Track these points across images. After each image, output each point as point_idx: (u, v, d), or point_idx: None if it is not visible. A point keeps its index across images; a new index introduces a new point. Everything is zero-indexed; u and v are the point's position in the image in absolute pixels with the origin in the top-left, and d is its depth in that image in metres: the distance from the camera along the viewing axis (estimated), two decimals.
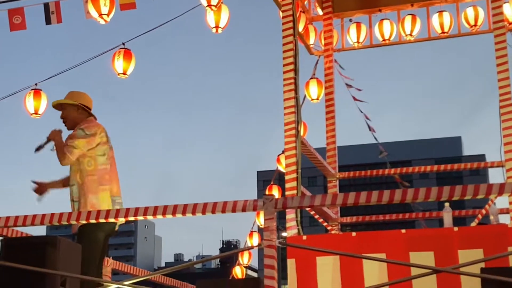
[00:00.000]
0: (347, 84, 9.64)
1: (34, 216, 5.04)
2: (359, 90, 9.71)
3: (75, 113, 6.29)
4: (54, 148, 6.14)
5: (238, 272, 13.09)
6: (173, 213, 4.80)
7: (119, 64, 8.47)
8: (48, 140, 6.23)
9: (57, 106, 6.40)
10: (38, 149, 6.22)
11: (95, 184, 6.03)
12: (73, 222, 5.05)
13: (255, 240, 12.57)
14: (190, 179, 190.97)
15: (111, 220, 5.19)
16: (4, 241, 5.20)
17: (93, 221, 5.14)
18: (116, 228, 6.18)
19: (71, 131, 6.24)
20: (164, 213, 4.80)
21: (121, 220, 5.24)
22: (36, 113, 8.85)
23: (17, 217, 5.07)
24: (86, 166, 6.09)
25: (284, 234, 7.72)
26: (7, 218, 5.06)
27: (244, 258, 13.16)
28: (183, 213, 4.77)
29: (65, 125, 6.34)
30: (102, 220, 5.09)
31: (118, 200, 6.14)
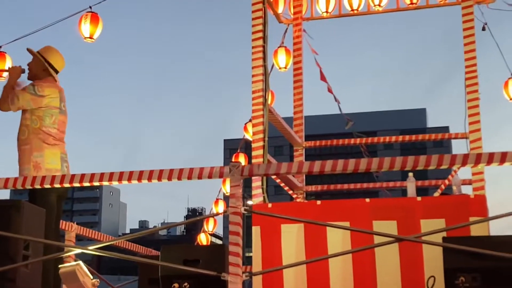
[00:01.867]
0: (314, 53, 9.63)
1: None
2: (320, 67, 9.72)
3: (39, 68, 6.32)
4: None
5: (203, 239, 13.14)
6: (139, 179, 4.77)
7: (85, 28, 8.33)
8: (7, 71, 6.27)
9: (29, 52, 6.40)
10: None
11: (39, 142, 6.05)
12: (37, 186, 4.99)
13: (221, 207, 12.61)
14: (158, 145, 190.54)
15: (76, 185, 5.14)
16: None
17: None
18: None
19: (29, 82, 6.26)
20: (129, 179, 4.77)
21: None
22: (0, 75, 8.70)
23: None
24: (32, 123, 6.11)
25: (249, 202, 7.75)
26: None
27: (210, 226, 13.21)
28: (149, 179, 4.76)
29: (28, 74, 6.36)
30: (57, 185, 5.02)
31: (66, 158, 6.18)
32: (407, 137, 9.68)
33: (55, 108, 6.17)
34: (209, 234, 13.32)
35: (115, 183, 4.91)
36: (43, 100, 6.11)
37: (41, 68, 6.32)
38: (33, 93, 6.11)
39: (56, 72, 6.37)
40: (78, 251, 4.93)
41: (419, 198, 6.05)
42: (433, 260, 5.36)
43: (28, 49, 6.41)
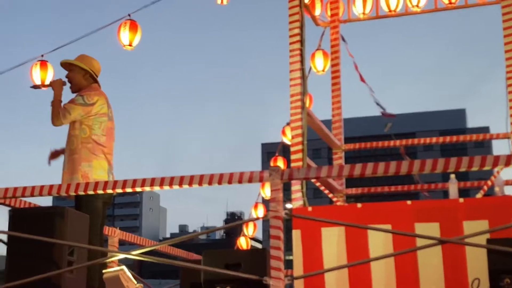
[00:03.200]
0: (354, 63, 9.60)
1: (42, 186, 5.06)
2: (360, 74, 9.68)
3: (81, 77, 6.30)
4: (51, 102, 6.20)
5: (243, 243, 13.15)
6: (180, 184, 4.81)
7: (125, 35, 8.42)
8: (49, 85, 6.28)
9: (65, 65, 6.40)
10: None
11: (88, 152, 6.04)
12: (81, 192, 5.06)
13: (260, 211, 12.61)
14: (195, 149, 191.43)
15: (118, 190, 5.20)
16: (12, 211, 5.24)
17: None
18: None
19: (74, 94, 6.28)
20: (171, 184, 4.82)
21: None
22: (42, 84, 8.83)
23: (25, 188, 5.09)
24: (81, 133, 6.09)
25: (288, 205, 7.75)
26: (15, 188, 5.08)
27: (249, 229, 13.22)
28: (190, 184, 4.79)
29: (70, 86, 6.34)
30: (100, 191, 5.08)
31: (112, 171, 6.21)
32: (447, 139, 9.58)
33: (104, 116, 6.15)
34: (250, 238, 13.33)
35: (156, 189, 4.96)
36: (93, 108, 6.08)
37: (82, 77, 6.30)
38: (83, 103, 6.08)
39: (97, 77, 6.38)
40: (122, 256, 4.99)
41: (461, 200, 5.98)
42: (476, 262, 5.30)
43: (62, 62, 6.41)
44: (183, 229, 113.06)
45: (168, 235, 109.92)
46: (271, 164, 11.37)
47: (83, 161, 6.03)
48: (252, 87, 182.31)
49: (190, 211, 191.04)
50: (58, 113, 6.06)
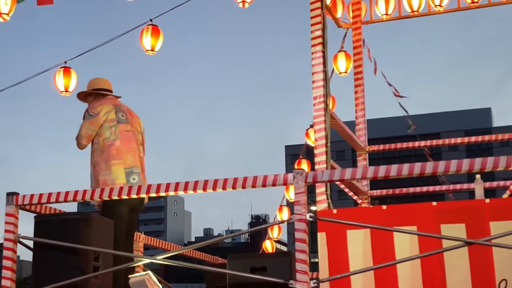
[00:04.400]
0: (373, 62, 9.56)
1: (67, 192, 5.08)
2: (384, 76, 9.65)
3: (92, 99, 6.61)
4: None
5: (268, 246, 13.15)
6: (204, 188, 4.81)
7: (147, 40, 8.46)
8: None
9: (81, 98, 6.74)
10: None
11: (104, 161, 6.25)
12: (105, 198, 5.08)
13: (285, 214, 12.61)
14: (219, 153, 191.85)
15: (142, 195, 5.21)
16: (38, 217, 5.28)
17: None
18: (146, 201, 6.29)
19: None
20: (195, 189, 4.81)
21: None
22: (66, 90, 8.91)
23: (50, 194, 5.12)
24: (95, 145, 6.36)
25: (313, 208, 7.72)
26: (40, 195, 5.11)
27: (274, 232, 13.22)
28: (214, 188, 4.79)
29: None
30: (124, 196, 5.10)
31: (136, 170, 6.30)
32: (472, 139, 9.49)
33: (112, 121, 6.36)
34: (274, 240, 13.32)
35: (181, 193, 4.96)
36: (99, 118, 6.34)
37: (93, 99, 6.61)
38: (88, 117, 6.38)
39: (106, 91, 6.61)
40: (147, 261, 5.00)
41: (487, 200, 5.91)
42: (504, 263, 5.24)
43: (78, 98, 6.74)
44: (208, 232, 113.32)
45: (193, 239, 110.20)
46: (295, 166, 11.36)
47: (102, 171, 6.24)
48: (276, 89, 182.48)
49: (214, 214, 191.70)
50: (76, 139, 6.43)
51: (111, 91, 6.64)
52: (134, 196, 5.07)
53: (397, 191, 9.65)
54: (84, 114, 6.44)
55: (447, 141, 9.68)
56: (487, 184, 7.84)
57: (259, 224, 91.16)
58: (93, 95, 6.61)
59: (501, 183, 9.27)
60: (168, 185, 4.92)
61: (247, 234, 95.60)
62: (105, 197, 5.06)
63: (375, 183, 9.12)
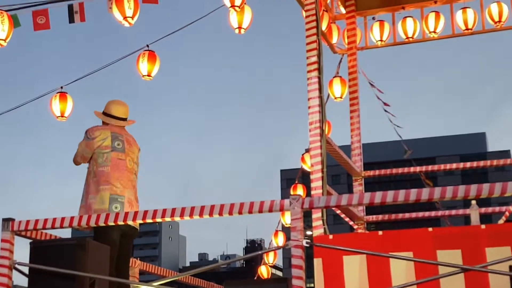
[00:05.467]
0: (370, 84, 9.62)
1: (63, 218, 5.09)
2: (381, 92, 9.69)
3: (103, 121, 6.76)
4: None
5: (263, 271, 13.11)
6: (200, 214, 4.82)
7: (143, 66, 8.49)
8: None
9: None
10: None
11: (94, 185, 6.37)
12: (101, 223, 5.08)
13: (280, 239, 12.58)
14: (215, 177, 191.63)
15: (139, 222, 5.21)
16: (33, 243, 5.26)
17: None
18: (137, 227, 6.34)
19: None
20: (191, 215, 4.82)
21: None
22: (62, 116, 8.92)
23: (46, 220, 5.12)
24: (90, 167, 6.52)
25: (309, 232, 7.72)
26: (36, 221, 5.11)
27: (270, 258, 13.18)
28: (210, 214, 4.79)
29: None
30: (120, 222, 5.12)
31: (120, 200, 6.36)
32: (467, 164, 9.52)
33: (106, 148, 6.48)
34: (270, 266, 13.29)
35: (177, 219, 4.96)
36: (94, 142, 6.47)
37: (102, 123, 6.77)
38: (86, 139, 6.54)
39: (115, 117, 6.71)
40: (143, 287, 4.98)
41: (483, 226, 5.91)
42: None
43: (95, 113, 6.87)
44: (203, 257, 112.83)
45: (187, 264, 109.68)
46: (291, 191, 11.37)
47: (90, 194, 6.38)
48: (272, 114, 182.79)
49: (209, 239, 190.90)
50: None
51: (121, 118, 6.73)
52: (130, 222, 5.08)
53: (393, 216, 9.66)
54: (84, 134, 6.58)
55: (442, 166, 9.71)
56: (483, 210, 7.85)
57: (254, 248, 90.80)
58: (103, 118, 6.76)
59: (497, 208, 9.28)
60: (164, 211, 4.93)
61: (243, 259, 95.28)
62: (101, 223, 5.06)
63: (371, 208, 9.13)
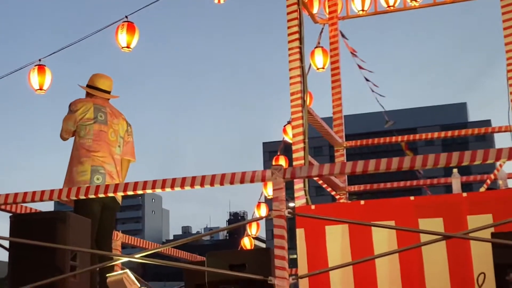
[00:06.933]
0: (352, 53, 9.58)
1: (43, 192, 5.04)
2: (363, 62, 9.66)
3: (87, 94, 6.72)
4: None
5: (246, 243, 13.13)
6: (182, 186, 4.78)
7: (122, 37, 8.41)
8: None
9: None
10: None
11: (76, 157, 6.37)
12: (82, 196, 5.04)
13: (263, 211, 12.59)
14: (196, 150, 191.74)
15: (120, 194, 5.17)
16: (13, 217, 5.21)
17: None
18: (119, 200, 6.31)
19: None
20: (172, 186, 4.79)
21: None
22: (40, 89, 8.82)
23: (25, 193, 5.07)
24: (74, 141, 6.48)
25: (291, 204, 7.72)
26: (16, 194, 5.05)
27: (253, 229, 13.20)
28: (192, 185, 4.76)
29: None
30: (101, 195, 5.08)
31: (101, 171, 6.35)
32: (449, 133, 9.54)
33: (89, 120, 6.45)
34: (253, 237, 13.31)
35: (158, 191, 4.93)
36: (76, 115, 6.44)
37: (87, 95, 6.72)
38: (69, 112, 6.50)
39: (99, 89, 6.66)
40: (125, 259, 4.96)
41: (464, 194, 5.95)
42: (482, 257, 5.27)
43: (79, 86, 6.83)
44: (186, 230, 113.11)
45: (171, 237, 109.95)
46: (273, 163, 11.35)
47: (73, 166, 6.38)
48: (253, 87, 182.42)
49: (192, 212, 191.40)
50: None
51: (104, 91, 6.67)
52: (110, 194, 5.03)
53: (375, 186, 9.69)
54: (68, 108, 6.55)
55: (424, 135, 9.74)
56: (464, 178, 7.89)
57: (237, 221, 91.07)
58: (87, 91, 6.70)
59: (478, 177, 9.32)
60: (145, 183, 4.89)
61: (226, 232, 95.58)
62: (81, 196, 5.02)
63: (352, 179, 9.15)
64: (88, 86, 6.69)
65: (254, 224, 13.21)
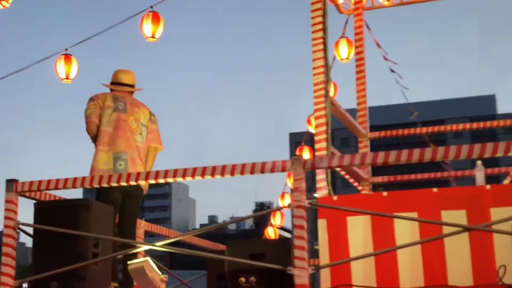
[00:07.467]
0: (377, 44, 9.52)
1: (66, 179, 5.09)
2: (387, 53, 9.59)
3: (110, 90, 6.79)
4: None
5: (270, 232, 13.15)
6: (202, 175, 4.80)
7: (147, 27, 8.45)
8: None
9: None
10: None
11: (100, 145, 6.42)
12: (104, 184, 5.08)
13: (287, 201, 12.59)
14: (224, 139, 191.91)
15: (151, 181, 5.18)
16: (37, 204, 5.28)
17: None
18: (145, 188, 6.35)
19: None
20: (193, 175, 4.81)
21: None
22: (67, 78, 8.91)
23: (49, 181, 5.12)
24: (99, 131, 6.50)
25: (316, 194, 7.72)
26: (40, 181, 5.11)
27: (277, 219, 13.21)
28: (212, 174, 4.78)
29: None
30: (123, 183, 5.12)
31: (124, 157, 6.40)
32: (474, 125, 9.47)
33: (108, 108, 6.51)
34: (277, 227, 13.32)
35: (179, 179, 4.94)
36: (96, 102, 6.51)
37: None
38: (89, 101, 6.55)
39: (121, 84, 6.72)
40: (146, 247, 5.01)
41: (488, 186, 5.89)
42: (504, 249, 5.23)
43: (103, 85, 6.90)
44: (212, 220, 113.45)
45: (197, 226, 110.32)
46: (297, 153, 11.35)
47: (96, 154, 6.44)
48: (282, 76, 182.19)
49: (219, 202, 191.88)
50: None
51: (126, 84, 6.73)
52: (138, 182, 5.07)
53: (399, 177, 9.64)
54: (87, 102, 6.61)
55: (448, 127, 9.67)
56: (489, 170, 7.82)
57: (263, 211, 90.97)
58: (111, 87, 6.78)
59: (503, 169, 9.23)
60: (175, 171, 4.91)
61: (252, 221, 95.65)
62: (104, 184, 5.06)
63: (379, 170, 9.09)
64: (111, 83, 6.77)
65: (278, 214, 13.23)
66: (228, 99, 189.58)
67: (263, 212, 5.89)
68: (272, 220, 13.12)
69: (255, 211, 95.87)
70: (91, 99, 6.57)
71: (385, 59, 9.71)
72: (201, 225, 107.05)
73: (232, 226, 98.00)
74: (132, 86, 6.76)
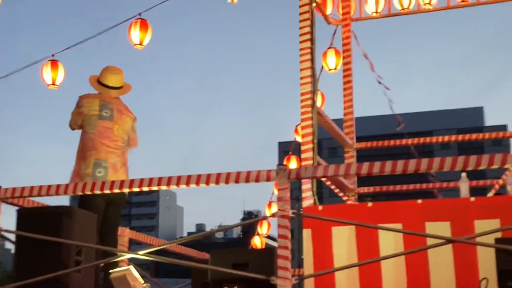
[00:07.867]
0: (365, 55, 9.54)
1: (49, 186, 5.07)
2: (373, 65, 9.61)
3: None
4: None
5: (257, 241, 13.11)
6: (187, 183, 4.81)
7: (135, 34, 8.43)
8: None
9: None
10: None
11: (81, 151, 6.45)
12: (88, 192, 5.06)
13: (274, 210, 12.54)
14: (217, 147, 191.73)
15: (135, 189, 5.16)
16: (20, 211, 5.25)
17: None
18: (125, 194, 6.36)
19: None
20: (178, 183, 4.82)
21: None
22: (53, 84, 8.87)
23: (32, 187, 5.10)
24: (81, 136, 6.55)
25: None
26: (23, 188, 5.09)
27: (263, 228, 13.16)
28: (197, 183, 4.78)
29: None
30: (106, 191, 5.10)
31: (104, 164, 6.39)
32: (460, 137, 9.49)
33: (93, 116, 6.51)
34: (264, 236, 13.27)
35: (163, 187, 4.93)
36: (80, 111, 6.53)
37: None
38: (75, 107, 6.60)
39: (108, 87, 6.69)
40: (129, 255, 4.98)
41: (472, 199, 5.92)
42: (488, 262, 5.23)
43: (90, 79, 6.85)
44: (200, 228, 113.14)
45: (185, 234, 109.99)
46: (284, 162, 11.36)
47: (78, 159, 6.46)
48: (271, 86, 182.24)
49: (207, 210, 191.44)
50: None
51: (113, 87, 6.70)
52: (116, 190, 5.05)
53: (384, 188, 9.65)
54: (76, 102, 6.65)
55: (435, 138, 9.69)
56: (474, 183, 7.84)
57: (251, 220, 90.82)
58: (95, 87, 6.76)
59: (488, 181, 9.26)
60: (160, 179, 4.91)
61: (240, 230, 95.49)
62: (87, 192, 5.04)
63: (365, 181, 9.10)
64: (98, 81, 6.72)
65: (265, 223, 13.18)
66: (221, 107, 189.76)
67: (249, 221, 5.86)
68: (259, 229, 13.08)
69: (243, 219, 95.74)
70: (78, 103, 6.58)
71: (372, 70, 9.73)
72: (189, 233, 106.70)
73: (220, 235, 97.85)
74: (120, 87, 6.74)
